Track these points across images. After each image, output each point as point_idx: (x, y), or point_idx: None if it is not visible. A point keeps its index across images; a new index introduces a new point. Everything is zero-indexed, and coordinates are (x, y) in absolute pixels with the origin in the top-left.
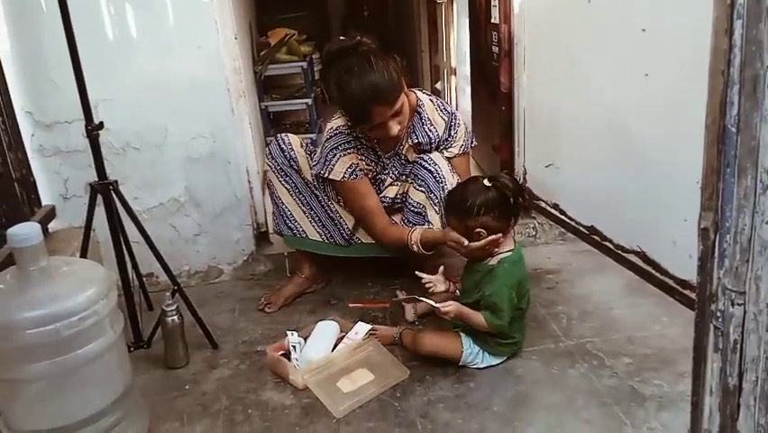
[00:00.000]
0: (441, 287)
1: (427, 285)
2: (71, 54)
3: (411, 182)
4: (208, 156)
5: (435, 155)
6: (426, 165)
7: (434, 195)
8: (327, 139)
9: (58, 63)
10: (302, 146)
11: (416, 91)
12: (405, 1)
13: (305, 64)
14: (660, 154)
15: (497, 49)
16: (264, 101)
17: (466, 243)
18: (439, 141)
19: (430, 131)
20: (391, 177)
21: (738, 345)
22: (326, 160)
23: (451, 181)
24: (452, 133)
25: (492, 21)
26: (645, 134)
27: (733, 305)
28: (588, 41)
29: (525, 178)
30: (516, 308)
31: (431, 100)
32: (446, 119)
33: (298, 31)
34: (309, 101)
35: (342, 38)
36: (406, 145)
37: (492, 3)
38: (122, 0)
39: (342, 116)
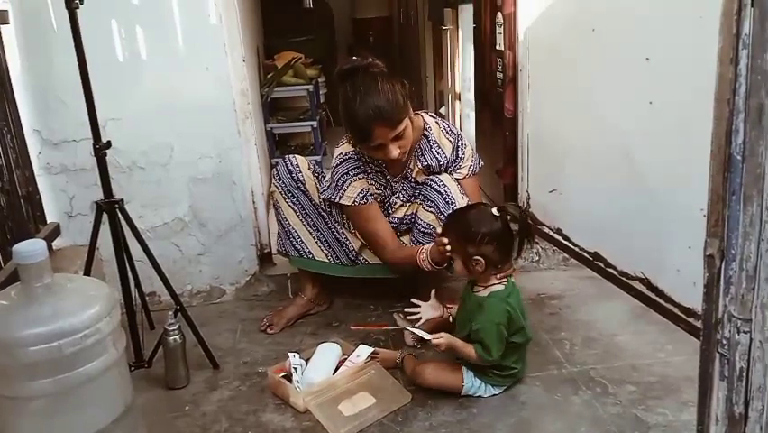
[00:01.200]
0: (433, 313)
1: (414, 316)
2: (81, 74)
3: (420, 203)
4: (213, 176)
5: (445, 177)
6: (436, 186)
7: (444, 216)
8: (337, 165)
9: (67, 82)
10: (309, 168)
11: (423, 114)
12: (410, 27)
13: (310, 87)
14: (664, 181)
15: (501, 75)
16: (270, 123)
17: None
18: (447, 163)
19: (438, 153)
20: (401, 199)
21: (744, 374)
22: (337, 185)
23: (460, 202)
24: (460, 154)
25: (497, 47)
26: (650, 161)
27: (739, 332)
28: (592, 69)
29: (528, 203)
30: (510, 342)
31: (437, 123)
32: (453, 141)
33: (305, 54)
34: (314, 123)
35: (354, 58)
36: (416, 169)
37: (497, 30)
38: (132, 22)
39: (348, 141)
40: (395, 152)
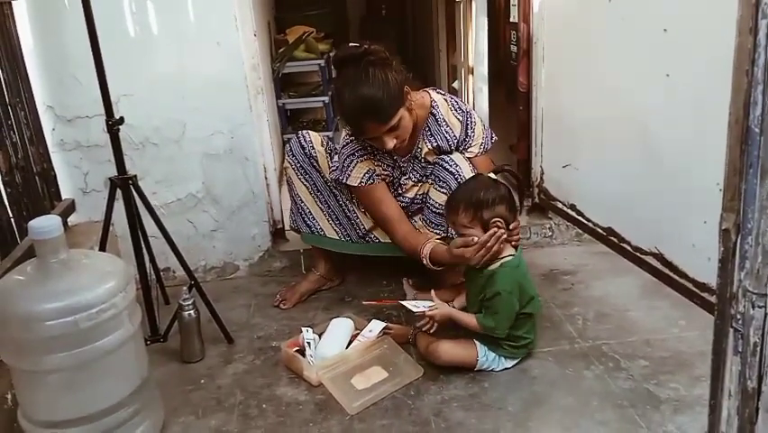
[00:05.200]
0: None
1: (425, 327)
2: (93, 50)
3: (432, 183)
4: (226, 152)
5: (456, 156)
6: (447, 167)
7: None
8: (344, 146)
9: (80, 59)
10: (322, 144)
11: (430, 92)
12: (423, 0)
13: (322, 62)
14: (680, 156)
15: (515, 48)
16: (281, 98)
17: (475, 239)
18: (458, 142)
19: (446, 132)
20: (412, 180)
21: (758, 348)
22: (344, 166)
23: None
24: (470, 132)
25: (511, 20)
26: (665, 135)
27: (753, 307)
28: (608, 41)
29: (542, 178)
30: (520, 313)
31: (445, 100)
32: (461, 119)
33: (317, 29)
34: (326, 99)
35: (351, 44)
36: (425, 149)
37: (511, 2)
38: None
39: None
40: (390, 143)
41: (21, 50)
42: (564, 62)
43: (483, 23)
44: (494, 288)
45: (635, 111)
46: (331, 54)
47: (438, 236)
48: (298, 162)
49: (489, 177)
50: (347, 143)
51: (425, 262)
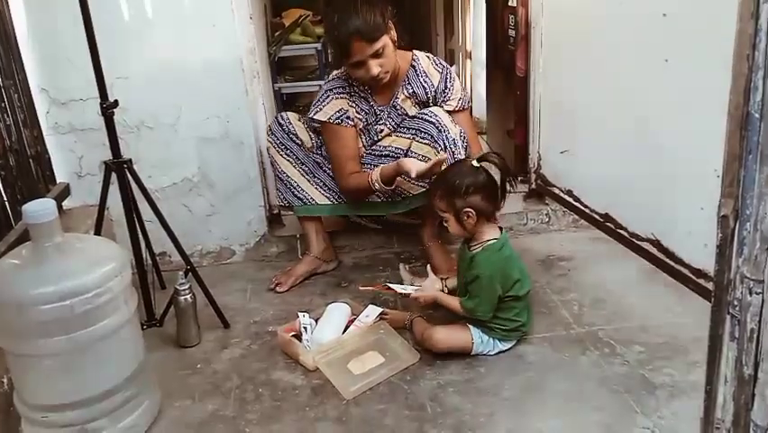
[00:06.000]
0: (433, 287)
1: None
2: (87, 33)
3: (413, 137)
4: (221, 136)
5: (435, 109)
6: (427, 118)
7: (438, 143)
8: (326, 82)
9: (74, 42)
10: (299, 120)
11: (415, 51)
12: None
13: (319, 46)
14: (677, 142)
15: (513, 33)
16: (278, 82)
17: (418, 166)
18: (436, 92)
19: (425, 81)
20: (388, 127)
21: (755, 335)
22: (318, 101)
23: (453, 131)
24: (448, 84)
25: (509, 4)
26: (663, 122)
27: (751, 294)
28: (606, 26)
29: (539, 164)
30: (506, 296)
31: (427, 56)
32: (440, 71)
33: (313, 12)
34: (323, 83)
35: None
36: (401, 96)
37: None
38: None
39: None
40: (375, 69)
41: (14, 32)
42: (563, 47)
43: (481, 6)
44: (474, 271)
45: (633, 97)
46: None
47: (421, 189)
48: (278, 140)
49: (471, 164)
50: (330, 80)
51: (376, 185)
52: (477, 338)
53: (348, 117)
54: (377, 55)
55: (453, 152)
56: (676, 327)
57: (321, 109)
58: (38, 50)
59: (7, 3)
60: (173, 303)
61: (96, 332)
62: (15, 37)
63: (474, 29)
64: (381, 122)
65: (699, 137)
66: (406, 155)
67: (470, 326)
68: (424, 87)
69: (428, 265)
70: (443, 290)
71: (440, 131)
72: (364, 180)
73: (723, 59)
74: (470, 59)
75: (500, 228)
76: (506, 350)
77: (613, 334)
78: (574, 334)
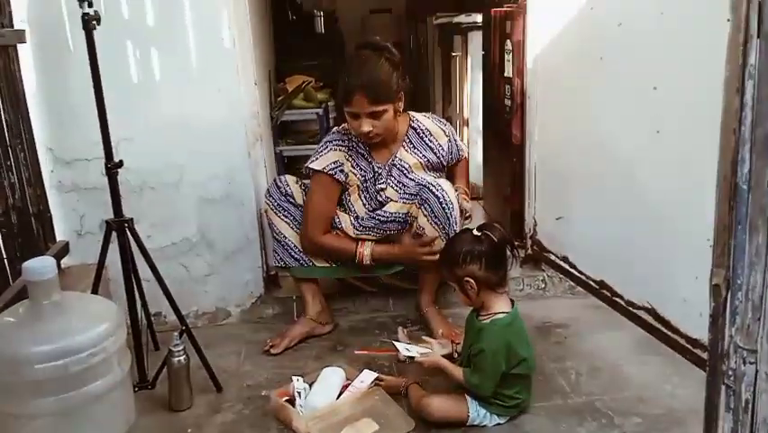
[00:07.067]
0: (441, 351)
1: (424, 351)
2: (96, 94)
3: (420, 207)
4: (222, 197)
5: (443, 182)
6: (434, 190)
7: (439, 220)
8: (326, 135)
9: (81, 102)
10: (297, 182)
11: (411, 112)
12: (420, 53)
13: (320, 111)
14: (671, 210)
15: (509, 102)
16: (279, 145)
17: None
18: (450, 153)
19: (431, 142)
20: (391, 186)
21: (750, 405)
22: (318, 151)
23: (456, 206)
24: (459, 143)
25: (505, 75)
26: (657, 190)
27: (744, 363)
28: (599, 97)
29: (535, 230)
30: (509, 373)
31: (425, 116)
32: (445, 130)
33: (315, 78)
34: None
35: (377, 37)
36: (411, 160)
37: (506, 57)
38: (148, 44)
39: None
40: (366, 127)
41: (24, 91)
42: (557, 117)
43: (478, 76)
44: (480, 344)
45: (627, 166)
46: (329, 104)
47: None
48: (275, 201)
49: (473, 233)
50: (332, 133)
51: (366, 262)
52: (473, 412)
53: (342, 171)
54: (374, 116)
55: (449, 235)
56: (673, 397)
57: (317, 159)
58: (46, 110)
59: (18, 62)
60: (166, 365)
61: (89, 393)
62: (25, 96)
63: (471, 98)
64: (382, 181)
65: (692, 206)
66: (408, 222)
67: (467, 397)
68: (432, 149)
69: (440, 331)
70: (452, 355)
71: (443, 208)
72: (349, 249)
73: (712, 131)
74: (468, 126)
75: (512, 301)
76: (502, 423)
77: (610, 404)
78: (572, 403)
